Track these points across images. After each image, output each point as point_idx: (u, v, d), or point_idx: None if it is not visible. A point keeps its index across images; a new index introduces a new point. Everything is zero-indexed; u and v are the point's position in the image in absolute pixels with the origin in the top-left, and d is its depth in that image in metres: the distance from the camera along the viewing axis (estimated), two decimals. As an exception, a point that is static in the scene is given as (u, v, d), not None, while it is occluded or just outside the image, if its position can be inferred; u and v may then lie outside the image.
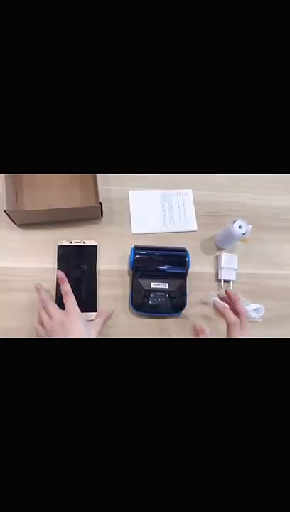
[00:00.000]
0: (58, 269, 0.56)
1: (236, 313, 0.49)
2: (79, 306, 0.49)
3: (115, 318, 0.55)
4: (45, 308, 0.49)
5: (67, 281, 0.50)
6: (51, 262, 0.57)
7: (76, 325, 0.46)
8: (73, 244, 0.57)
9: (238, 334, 0.47)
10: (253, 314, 0.58)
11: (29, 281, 0.55)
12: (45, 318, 0.48)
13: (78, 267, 0.57)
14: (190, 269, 0.57)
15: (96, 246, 0.58)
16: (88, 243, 0.58)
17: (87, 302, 0.55)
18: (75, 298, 0.49)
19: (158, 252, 0.56)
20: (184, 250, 0.57)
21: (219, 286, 0.59)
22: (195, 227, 0.62)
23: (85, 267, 0.57)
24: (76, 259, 0.57)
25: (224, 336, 0.49)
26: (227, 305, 0.51)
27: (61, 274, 0.50)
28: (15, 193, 0.58)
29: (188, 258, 0.56)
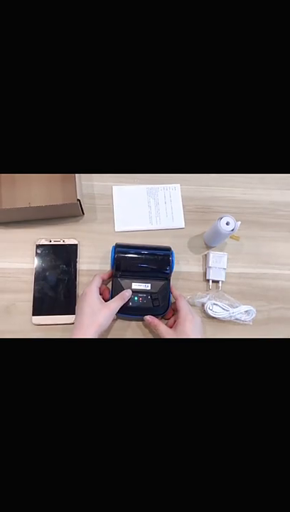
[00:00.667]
0: (35, 269, 0.53)
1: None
2: (57, 308, 0.51)
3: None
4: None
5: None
6: (30, 262, 0.55)
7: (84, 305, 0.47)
8: (52, 243, 0.55)
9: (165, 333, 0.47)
10: (243, 317, 0.54)
11: (5, 282, 0.53)
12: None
13: (57, 267, 0.54)
14: (176, 269, 0.54)
15: (76, 245, 0.55)
16: (68, 242, 0.55)
17: (66, 304, 0.52)
18: (53, 299, 0.51)
19: (140, 251, 0.52)
20: (168, 249, 0.53)
21: (208, 286, 0.56)
22: (182, 224, 0.59)
23: (65, 267, 0.54)
24: (55, 259, 0.55)
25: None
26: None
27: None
28: (-8, 191, 0.56)
29: (172, 258, 0.52)
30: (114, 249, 0.52)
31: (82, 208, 0.55)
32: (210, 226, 0.57)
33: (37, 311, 0.52)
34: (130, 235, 0.58)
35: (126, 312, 0.51)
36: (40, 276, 0.53)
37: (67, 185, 0.58)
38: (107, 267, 0.55)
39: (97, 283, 0.50)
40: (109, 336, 0.53)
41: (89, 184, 0.60)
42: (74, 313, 0.52)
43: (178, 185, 0.61)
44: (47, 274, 0.53)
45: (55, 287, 0.53)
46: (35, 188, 0.58)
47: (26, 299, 0.53)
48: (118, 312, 0.51)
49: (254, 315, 0.54)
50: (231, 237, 0.59)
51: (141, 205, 0.59)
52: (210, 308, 0.54)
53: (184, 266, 0.57)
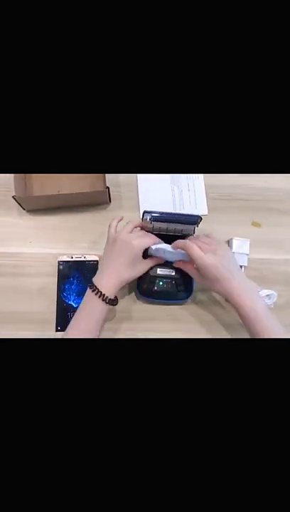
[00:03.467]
0: (58, 286, 0.54)
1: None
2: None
3: (125, 303, 0.55)
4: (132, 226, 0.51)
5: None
6: (60, 247, 0.57)
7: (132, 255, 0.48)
8: (73, 259, 0.56)
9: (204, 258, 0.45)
10: (265, 300, 0.56)
11: (39, 266, 0.56)
12: (126, 228, 0.50)
13: (79, 284, 0.55)
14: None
15: (97, 262, 0.56)
16: (89, 258, 0.56)
17: None
18: (71, 315, 0.50)
19: (165, 239, 0.54)
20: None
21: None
22: (205, 211, 0.61)
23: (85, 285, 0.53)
24: (76, 275, 0.56)
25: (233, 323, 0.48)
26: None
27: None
28: (24, 179, 0.59)
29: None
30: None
31: (109, 196, 0.57)
32: (232, 213, 0.58)
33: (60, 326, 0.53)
34: (155, 221, 0.60)
35: (151, 296, 0.53)
36: (60, 291, 0.54)
37: (93, 174, 0.60)
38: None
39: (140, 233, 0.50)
40: (136, 320, 0.55)
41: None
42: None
43: (201, 174, 0.63)
44: (69, 290, 0.55)
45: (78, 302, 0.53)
46: (64, 177, 0.60)
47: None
48: (143, 295, 0.53)
49: (275, 298, 0.56)
50: (253, 224, 0.60)
51: (165, 193, 0.61)
52: (233, 292, 0.55)
53: (207, 252, 0.58)
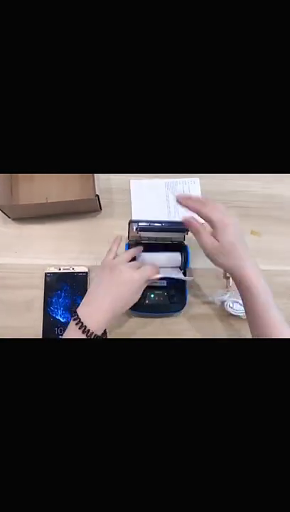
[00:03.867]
0: (45, 299, 0.52)
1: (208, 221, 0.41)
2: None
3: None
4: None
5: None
6: (47, 257, 0.54)
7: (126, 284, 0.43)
8: (61, 271, 0.53)
9: (207, 237, 0.40)
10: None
11: (25, 278, 0.53)
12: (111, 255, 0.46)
13: (67, 297, 0.52)
14: (196, 266, 0.54)
15: (86, 273, 0.53)
16: (78, 269, 0.53)
17: None
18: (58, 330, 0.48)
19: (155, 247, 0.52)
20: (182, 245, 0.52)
21: (228, 283, 0.55)
22: (202, 219, 0.57)
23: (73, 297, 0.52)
24: (65, 287, 0.53)
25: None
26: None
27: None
28: (9, 186, 0.56)
29: (188, 255, 0.51)
30: (128, 246, 0.52)
31: (99, 204, 0.54)
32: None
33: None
34: (148, 230, 0.57)
35: (141, 310, 0.51)
36: (47, 304, 0.52)
37: (84, 180, 0.57)
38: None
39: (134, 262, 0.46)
40: (129, 336, 0.53)
41: (106, 178, 0.59)
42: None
43: (197, 178, 0.59)
44: (57, 302, 0.52)
45: (64, 315, 0.51)
46: (52, 184, 0.57)
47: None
48: (133, 310, 0.50)
49: (275, 313, 0.53)
50: (252, 233, 0.57)
51: (159, 200, 0.58)
52: (230, 306, 0.53)
53: (203, 263, 0.55)
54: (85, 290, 0.52)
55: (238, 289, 0.42)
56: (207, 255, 0.41)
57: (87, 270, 0.53)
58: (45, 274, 0.53)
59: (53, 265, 0.53)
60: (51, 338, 0.50)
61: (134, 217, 0.57)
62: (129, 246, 0.52)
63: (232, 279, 0.43)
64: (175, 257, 0.51)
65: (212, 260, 0.41)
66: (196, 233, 0.42)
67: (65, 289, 0.53)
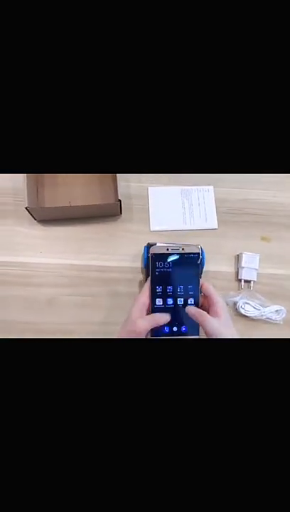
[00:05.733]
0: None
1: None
2: None
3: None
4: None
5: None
6: (70, 257, 0.57)
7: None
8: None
9: (212, 322, 0.42)
10: (274, 316, 0.56)
11: (49, 276, 0.56)
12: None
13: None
14: (210, 268, 0.57)
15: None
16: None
17: None
18: None
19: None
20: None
21: (240, 286, 0.58)
22: (215, 225, 0.61)
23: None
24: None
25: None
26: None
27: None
28: (36, 190, 0.59)
29: (203, 260, 0.52)
30: (147, 248, 0.54)
31: (121, 208, 0.58)
32: (241, 227, 0.59)
33: None
34: (164, 234, 0.60)
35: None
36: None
37: (104, 186, 0.61)
38: (138, 264, 0.58)
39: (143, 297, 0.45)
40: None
41: (126, 185, 0.62)
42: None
43: (211, 187, 0.63)
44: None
45: None
46: (75, 188, 0.60)
47: (68, 293, 0.56)
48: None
49: (284, 315, 0.56)
50: (262, 239, 0.61)
51: (175, 206, 0.62)
52: (242, 307, 0.55)
53: (215, 265, 0.59)
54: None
55: None
56: (213, 331, 0.42)
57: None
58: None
59: (75, 264, 0.56)
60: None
61: (152, 221, 0.60)
62: (147, 248, 0.55)
63: None
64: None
65: (219, 335, 0.42)
66: (201, 316, 0.44)
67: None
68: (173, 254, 0.47)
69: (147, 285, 0.47)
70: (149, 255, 0.48)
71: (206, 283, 0.47)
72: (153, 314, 0.45)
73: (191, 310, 0.45)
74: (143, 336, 0.41)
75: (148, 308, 0.46)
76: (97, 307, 0.56)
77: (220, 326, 0.42)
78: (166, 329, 0.46)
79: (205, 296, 0.47)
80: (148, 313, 0.46)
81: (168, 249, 0.47)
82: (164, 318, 0.45)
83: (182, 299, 0.47)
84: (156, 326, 0.43)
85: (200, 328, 0.45)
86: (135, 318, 0.42)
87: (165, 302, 0.47)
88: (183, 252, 0.47)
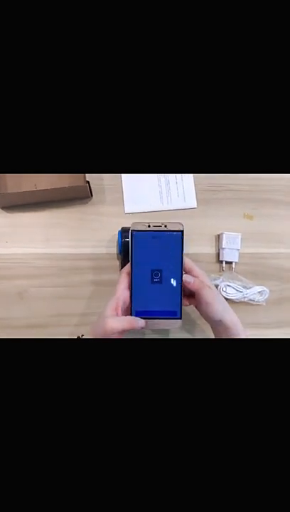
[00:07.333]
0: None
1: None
2: None
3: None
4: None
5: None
6: (40, 246, 0.53)
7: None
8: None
9: (209, 291, 0.42)
10: (257, 298, 0.54)
11: (17, 268, 0.53)
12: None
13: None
14: (189, 251, 0.54)
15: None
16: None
17: None
18: None
19: None
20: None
21: (221, 267, 0.55)
22: (194, 204, 0.57)
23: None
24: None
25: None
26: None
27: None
28: (-4, 174, 0.54)
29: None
30: (121, 234, 0.51)
31: (90, 190, 0.53)
32: (222, 205, 0.55)
33: None
34: (140, 216, 0.56)
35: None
36: None
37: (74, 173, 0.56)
38: (113, 250, 0.54)
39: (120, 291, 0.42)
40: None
41: (96, 163, 0.57)
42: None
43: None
44: None
45: None
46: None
47: (39, 284, 0.52)
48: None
49: (267, 295, 0.54)
50: (245, 217, 0.57)
51: (151, 185, 0.57)
52: (224, 289, 0.53)
53: (195, 247, 0.55)
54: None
55: (217, 328, 0.45)
56: (208, 302, 0.42)
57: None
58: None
59: (44, 253, 0.53)
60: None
61: (126, 203, 0.56)
62: (121, 233, 0.51)
63: (220, 322, 0.44)
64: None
65: (212, 306, 0.43)
66: (199, 288, 0.43)
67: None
68: (155, 231, 0.44)
69: (123, 277, 0.43)
70: (130, 231, 0.43)
71: (185, 258, 0.44)
72: (128, 317, 0.42)
73: (188, 278, 0.44)
74: (113, 337, 0.38)
75: (127, 301, 0.42)
76: (73, 298, 0.53)
77: (215, 294, 0.43)
78: (149, 310, 0.43)
79: (186, 271, 0.44)
80: (127, 308, 0.42)
81: (149, 226, 0.44)
82: (139, 323, 0.41)
83: (166, 278, 0.44)
84: (129, 329, 0.40)
85: (190, 306, 0.46)
86: (107, 316, 0.39)
87: (146, 282, 0.43)
88: (165, 229, 0.44)
